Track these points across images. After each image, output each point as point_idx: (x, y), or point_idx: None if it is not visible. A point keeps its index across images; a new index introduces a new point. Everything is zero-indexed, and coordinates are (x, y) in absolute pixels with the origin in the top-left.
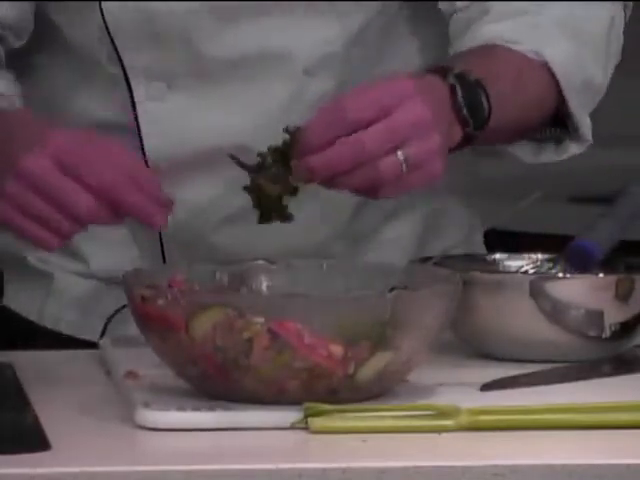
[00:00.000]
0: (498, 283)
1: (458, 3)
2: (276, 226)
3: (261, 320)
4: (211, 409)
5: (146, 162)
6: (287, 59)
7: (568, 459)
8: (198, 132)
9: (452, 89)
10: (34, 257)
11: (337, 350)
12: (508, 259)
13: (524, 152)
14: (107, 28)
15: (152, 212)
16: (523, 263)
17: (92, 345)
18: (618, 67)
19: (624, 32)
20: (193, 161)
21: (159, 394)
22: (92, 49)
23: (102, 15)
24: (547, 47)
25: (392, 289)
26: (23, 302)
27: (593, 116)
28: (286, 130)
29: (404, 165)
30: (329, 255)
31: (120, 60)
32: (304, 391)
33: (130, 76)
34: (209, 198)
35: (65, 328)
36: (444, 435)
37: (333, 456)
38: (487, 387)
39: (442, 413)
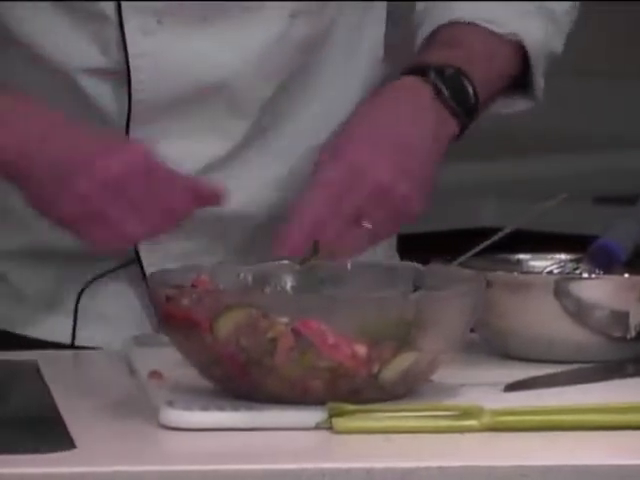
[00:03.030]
0: (522, 283)
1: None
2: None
3: (285, 320)
4: (234, 409)
5: (129, 100)
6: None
7: (592, 460)
8: (184, 67)
9: (436, 88)
10: None
11: (361, 350)
12: (532, 259)
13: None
14: None
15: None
16: (547, 263)
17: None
18: None
19: None
20: (177, 98)
21: (183, 394)
22: None
23: None
24: (524, 30)
25: (416, 289)
26: None
27: (617, 117)
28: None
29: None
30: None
31: None
32: (327, 391)
33: (123, 10)
34: (190, 143)
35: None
36: (467, 435)
37: (357, 456)
38: (511, 387)
39: (465, 413)
